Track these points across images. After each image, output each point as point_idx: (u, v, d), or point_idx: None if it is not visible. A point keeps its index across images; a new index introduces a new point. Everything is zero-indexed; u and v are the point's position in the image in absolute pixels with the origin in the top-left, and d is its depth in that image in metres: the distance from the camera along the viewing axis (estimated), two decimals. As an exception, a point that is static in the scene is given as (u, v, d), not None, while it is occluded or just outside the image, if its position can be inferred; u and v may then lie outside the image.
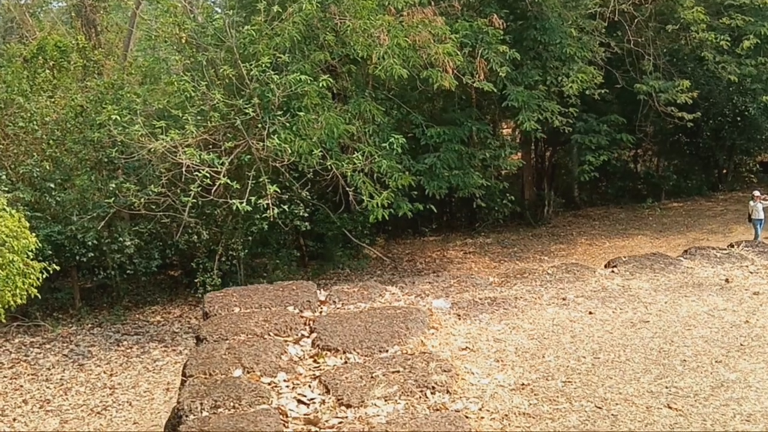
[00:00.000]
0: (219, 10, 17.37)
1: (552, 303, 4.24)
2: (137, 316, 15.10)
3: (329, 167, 13.21)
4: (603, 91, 17.73)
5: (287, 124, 13.04)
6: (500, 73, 14.93)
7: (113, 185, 13.89)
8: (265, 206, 12.61)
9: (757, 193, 17.56)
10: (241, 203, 12.33)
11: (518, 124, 16.30)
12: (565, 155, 24.27)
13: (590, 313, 4.19)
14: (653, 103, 19.03)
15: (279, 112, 13.07)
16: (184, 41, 15.73)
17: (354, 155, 13.17)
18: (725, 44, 18.17)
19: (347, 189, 14.06)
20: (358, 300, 3.94)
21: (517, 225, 22.28)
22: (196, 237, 15.02)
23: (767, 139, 26.14)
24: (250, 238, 16.12)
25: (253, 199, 12.41)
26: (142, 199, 13.09)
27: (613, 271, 4.77)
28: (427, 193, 16.07)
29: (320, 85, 13.05)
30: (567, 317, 4.15)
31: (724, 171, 27.26)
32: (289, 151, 12.80)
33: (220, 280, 15.37)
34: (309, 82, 12.77)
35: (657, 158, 28.08)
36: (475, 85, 14.45)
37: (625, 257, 5.05)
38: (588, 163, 19.30)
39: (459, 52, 13.93)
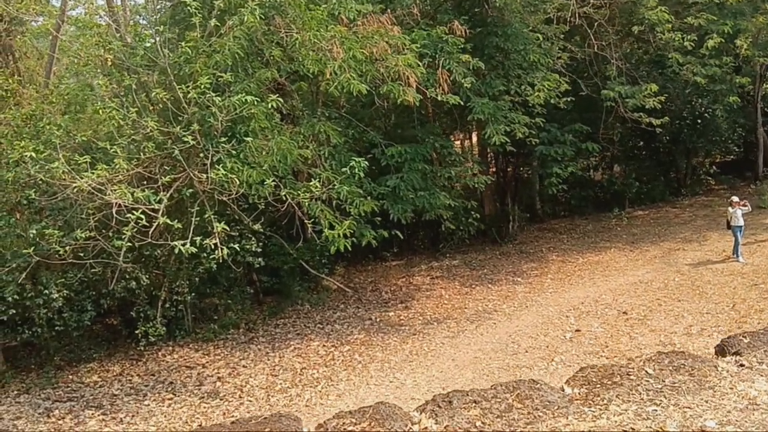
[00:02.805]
0: (145, 22, 15.70)
1: (696, 443, 2.77)
2: (71, 377, 13.19)
3: (284, 197, 11.68)
4: (568, 99, 16.74)
5: (233, 152, 11.46)
6: (464, 84, 13.72)
7: (34, 231, 12.02)
8: (213, 246, 10.97)
9: (735, 199, 16.79)
10: (184, 245, 10.66)
11: (486, 138, 15.12)
12: (527, 167, 23.28)
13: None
14: (620, 110, 18.17)
15: (223, 139, 11.48)
16: (110, 64, 14.05)
17: (311, 182, 11.67)
18: (690, 45, 17.48)
19: (304, 219, 12.57)
20: (376, 450, 2.49)
21: (482, 243, 21.11)
22: (134, 283, 13.31)
23: (726, 141, 25.73)
24: (196, 279, 14.47)
25: (198, 239, 10.76)
26: (68, 247, 11.26)
27: (741, 365, 3.42)
28: (392, 217, 14.70)
29: (269, 106, 11.53)
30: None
31: (684, 175, 26.80)
32: (237, 182, 11.21)
33: (164, 328, 13.69)
34: (256, 103, 11.24)
35: (613, 165, 27.41)
36: (439, 98, 13.18)
37: (743, 335, 3.71)
38: (555, 175, 18.27)
39: (420, 64, 12.65)
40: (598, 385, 3.15)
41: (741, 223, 16.38)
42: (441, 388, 11.16)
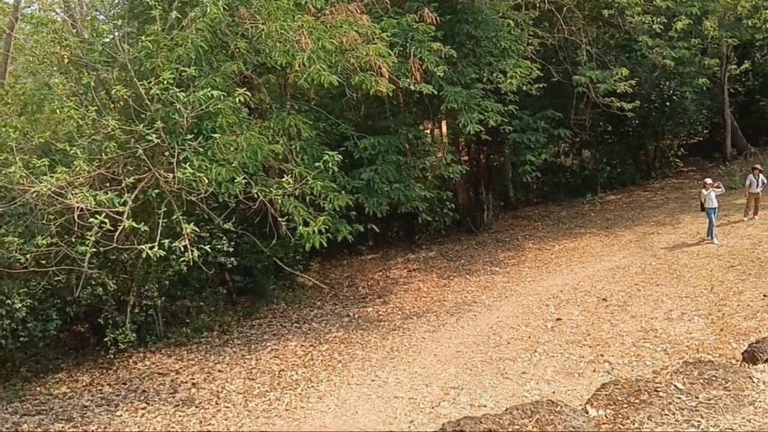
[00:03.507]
0: (103, 18, 15.11)
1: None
2: (39, 388, 12.63)
3: (255, 195, 11.27)
4: (540, 86, 16.57)
5: (200, 149, 11.00)
6: (437, 73, 13.42)
7: (-8, 239, 11.44)
8: (182, 248, 10.52)
9: (708, 180, 16.80)
10: (152, 248, 10.20)
11: (461, 127, 14.85)
12: (498, 155, 23.09)
13: None
14: (591, 95, 18.06)
15: (189, 136, 11.00)
16: (67, 61, 13.46)
17: (283, 178, 11.28)
18: (658, 27, 17.43)
19: (277, 217, 12.18)
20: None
21: (457, 233, 20.92)
22: (101, 289, 12.79)
23: (694, 123, 25.84)
24: (166, 282, 13.99)
25: (166, 241, 10.31)
26: (29, 254, 10.73)
27: (776, 372, 3.20)
28: (367, 211, 14.37)
29: (236, 100, 11.09)
30: None
31: (653, 158, 26.90)
32: (206, 181, 10.76)
33: (134, 334, 13.25)
34: (222, 97, 10.79)
35: (582, 150, 27.36)
36: (412, 88, 12.87)
37: (771, 337, 3.48)
38: (529, 162, 18.12)
39: (391, 53, 12.31)
40: (625, 405, 2.87)
41: (715, 204, 16.40)
42: (424, 384, 10.93)
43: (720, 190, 16.68)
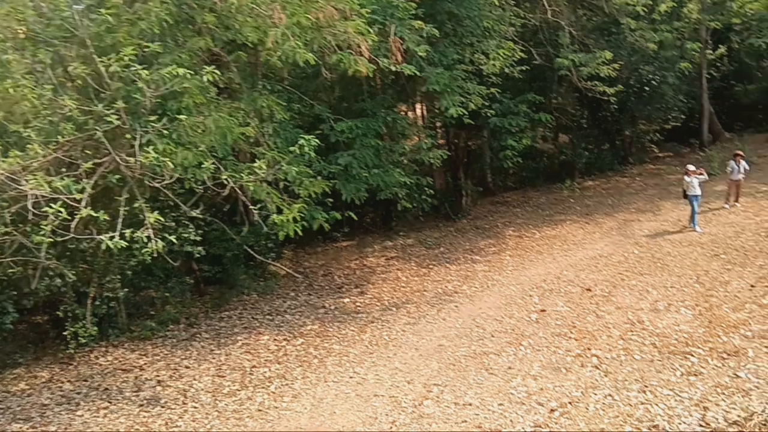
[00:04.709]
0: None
1: None
2: (-6, 386, 11.85)
3: (225, 181, 10.56)
4: (523, 68, 16.03)
5: (165, 132, 10.22)
6: (419, 53, 12.76)
7: (-60, 228, 10.57)
8: (146, 239, 9.79)
9: (691, 167, 16.45)
10: (112, 238, 9.46)
11: (444, 110, 14.24)
12: (476, 140, 22.56)
13: None
14: (573, 78, 17.59)
15: (152, 117, 10.22)
16: (23, 37, 12.51)
17: (255, 163, 10.57)
18: (642, 9, 17.01)
19: (248, 205, 11.49)
20: None
21: (435, 220, 20.43)
22: (59, 280, 11.99)
23: (671, 108, 25.53)
24: (129, 272, 13.21)
25: (128, 231, 9.57)
26: (-22, 245, 9.92)
27: None
28: (344, 198, 13.73)
29: (203, 79, 10.31)
30: None
31: (630, 143, 26.64)
32: (171, 166, 10.00)
33: (95, 328, 12.52)
34: (188, 76, 10.01)
35: (558, 135, 26.98)
36: (393, 68, 12.21)
37: None
38: (510, 147, 17.62)
39: (371, 31, 11.62)
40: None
41: (698, 192, 16.08)
42: (406, 381, 10.39)
43: (703, 177, 16.34)
